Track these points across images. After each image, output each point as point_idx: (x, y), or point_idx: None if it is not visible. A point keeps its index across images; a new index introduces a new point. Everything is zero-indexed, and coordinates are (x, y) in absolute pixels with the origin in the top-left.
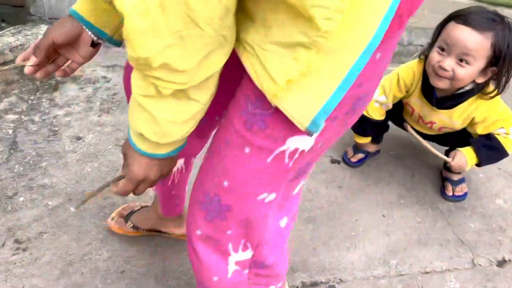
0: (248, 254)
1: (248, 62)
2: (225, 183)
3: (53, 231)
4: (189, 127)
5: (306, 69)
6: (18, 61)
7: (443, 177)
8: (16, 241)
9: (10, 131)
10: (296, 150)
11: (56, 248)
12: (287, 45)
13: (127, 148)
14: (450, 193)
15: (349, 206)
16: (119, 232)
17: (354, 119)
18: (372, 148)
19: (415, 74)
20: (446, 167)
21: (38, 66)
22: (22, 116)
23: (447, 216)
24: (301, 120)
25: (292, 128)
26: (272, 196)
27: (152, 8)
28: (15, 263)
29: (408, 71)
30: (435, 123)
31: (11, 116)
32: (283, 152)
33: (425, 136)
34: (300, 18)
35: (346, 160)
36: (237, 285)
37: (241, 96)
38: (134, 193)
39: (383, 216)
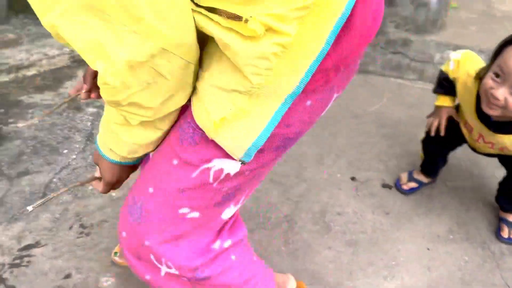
0: (175, 271)
1: (192, 99)
2: (150, 190)
3: (113, 221)
4: (152, 147)
5: (239, 111)
6: (72, 93)
7: (500, 217)
8: (81, 225)
9: (89, 124)
10: (221, 170)
11: (114, 237)
12: (225, 90)
13: (98, 159)
14: (506, 235)
15: (394, 234)
16: (125, 264)
17: (285, 151)
18: (426, 180)
19: (468, 89)
20: (504, 206)
21: (90, 91)
22: (100, 110)
23: (498, 258)
24: (235, 151)
25: (219, 150)
26: (195, 214)
27: (122, 69)
28: (78, 246)
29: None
30: (495, 143)
31: (91, 109)
32: (208, 169)
33: (487, 155)
34: (238, 71)
35: (398, 186)
36: (176, 283)
37: (182, 119)
38: (113, 189)
39: (428, 249)
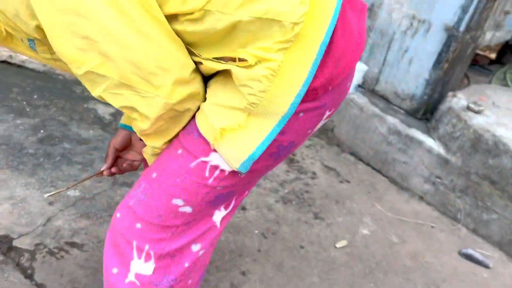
0: (149, 269)
1: (197, 117)
2: (154, 175)
3: None
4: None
5: (238, 125)
6: (105, 174)
7: None
8: None
9: None
10: (217, 166)
11: None
12: (226, 107)
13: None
14: None
15: None
16: None
17: (279, 161)
18: None
19: None
20: None
21: (111, 168)
22: None
23: None
24: (233, 161)
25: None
26: (188, 208)
27: (152, 120)
28: None
29: None
30: None
31: None
32: (205, 163)
33: None
34: (239, 92)
35: None
36: None
37: (192, 123)
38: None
39: None
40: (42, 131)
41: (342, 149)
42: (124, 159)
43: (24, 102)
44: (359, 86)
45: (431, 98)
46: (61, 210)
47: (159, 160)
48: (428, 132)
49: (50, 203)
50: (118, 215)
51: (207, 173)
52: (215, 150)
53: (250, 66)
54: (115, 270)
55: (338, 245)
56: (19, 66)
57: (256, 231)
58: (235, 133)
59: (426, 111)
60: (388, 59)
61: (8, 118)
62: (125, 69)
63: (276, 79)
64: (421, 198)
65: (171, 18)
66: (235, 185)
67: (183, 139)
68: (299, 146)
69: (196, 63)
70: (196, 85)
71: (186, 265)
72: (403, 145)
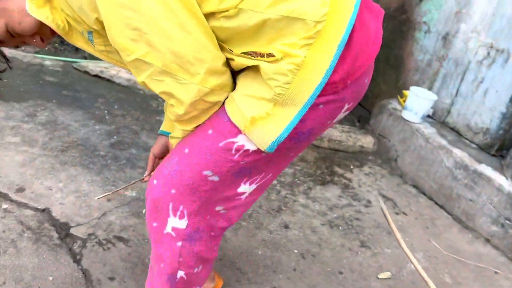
0: (183, 224)
1: (227, 105)
2: (186, 150)
3: None
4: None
5: (266, 114)
6: (146, 179)
7: None
8: None
9: None
10: (242, 146)
11: None
12: (255, 97)
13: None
14: None
15: None
16: None
17: (301, 146)
18: None
19: None
20: None
21: (151, 174)
22: None
23: None
24: (261, 144)
25: None
26: (215, 177)
27: (187, 106)
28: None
29: None
30: None
31: None
32: (233, 143)
33: None
34: (266, 84)
35: None
36: (168, 249)
37: (222, 108)
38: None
39: None
40: (115, 137)
41: (404, 181)
42: None
43: (106, 111)
44: (428, 116)
45: (508, 133)
46: (116, 207)
47: (190, 139)
48: (500, 169)
49: (109, 200)
50: (155, 182)
51: (233, 151)
52: (241, 133)
53: (276, 61)
54: (154, 224)
55: (381, 276)
56: (107, 80)
57: (296, 251)
58: (263, 120)
59: (502, 147)
60: (462, 90)
61: (90, 124)
62: (167, 58)
63: (299, 72)
64: (487, 240)
65: (209, 16)
66: (257, 161)
67: (214, 122)
68: (320, 134)
69: (228, 59)
70: (227, 77)
71: (212, 221)
72: (470, 181)
